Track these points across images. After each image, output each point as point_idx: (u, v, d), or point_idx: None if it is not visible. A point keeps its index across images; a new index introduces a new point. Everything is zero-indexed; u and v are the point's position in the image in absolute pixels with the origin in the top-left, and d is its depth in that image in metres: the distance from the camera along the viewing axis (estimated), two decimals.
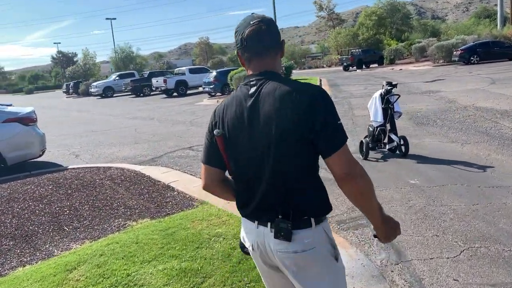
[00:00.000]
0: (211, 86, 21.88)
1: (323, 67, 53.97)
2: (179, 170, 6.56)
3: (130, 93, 31.01)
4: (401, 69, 29.98)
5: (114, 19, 50.43)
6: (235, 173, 1.53)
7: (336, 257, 1.47)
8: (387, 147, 6.16)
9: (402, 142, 6.07)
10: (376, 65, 37.84)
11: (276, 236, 1.41)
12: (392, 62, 37.81)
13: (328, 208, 1.46)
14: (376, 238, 1.53)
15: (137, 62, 57.23)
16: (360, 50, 39.25)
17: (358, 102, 13.43)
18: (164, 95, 26.31)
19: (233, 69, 21.69)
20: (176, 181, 5.76)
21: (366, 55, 37.79)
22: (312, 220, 1.41)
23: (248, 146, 1.43)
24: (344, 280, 1.53)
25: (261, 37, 1.44)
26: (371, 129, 6.28)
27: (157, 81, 26.29)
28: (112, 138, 10.68)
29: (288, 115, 1.33)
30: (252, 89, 1.43)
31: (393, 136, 6.10)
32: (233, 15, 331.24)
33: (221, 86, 21.47)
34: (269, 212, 1.43)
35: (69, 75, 55.88)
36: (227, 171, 1.58)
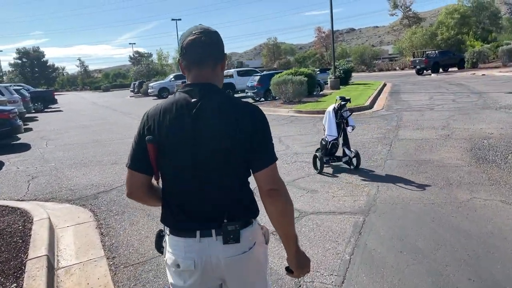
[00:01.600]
0: (254, 91, 20.08)
1: (395, 69, 49.78)
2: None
3: None
4: (483, 75, 25.73)
5: (179, 19, 50.85)
6: (170, 183, 1.50)
7: (267, 241, 1.60)
8: (343, 160, 6.25)
9: (353, 155, 6.18)
10: (455, 68, 33.40)
11: (225, 241, 1.42)
12: (474, 65, 33.11)
13: (258, 208, 1.53)
14: (287, 272, 1.56)
15: None
16: (436, 52, 34.97)
17: (411, 119, 10.73)
18: None
19: (277, 72, 19.67)
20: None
21: (444, 58, 33.50)
22: (253, 218, 1.51)
23: (190, 157, 1.43)
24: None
25: (200, 47, 1.46)
26: (323, 142, 6.28)
27: None
28: (98, 154, 9.32)
29: (233, 131, 1.39)
30: (194, 100, 1.44)
31: (346, 150, 6.23)
32: (310, 15, 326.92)
33: (264, 91, 19.58)
34: (213, 219, 1.44)
35: (133, 75, 57.81)
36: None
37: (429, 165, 6.15)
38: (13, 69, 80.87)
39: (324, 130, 6.37)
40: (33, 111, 24.92)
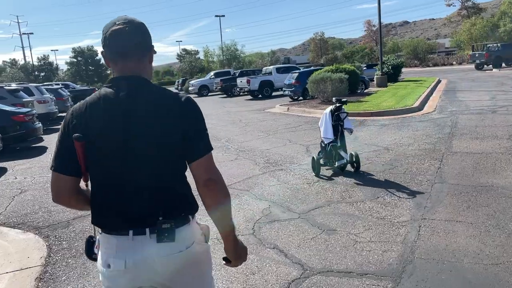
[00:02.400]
0: (291, 89, 18.74)
1: (451, 64, 46.14)
2: None
3: (221, 92, 29.70)
4: None
5: (223, 16, 50.45)
6: (101, 183, 1.43)
7: (207, 240, 1.54)
8: (336, 164, 5.97)
9: (353, 159, 6.02)
10: None
11: (159, 240, 1.36)
12: None
13: (197, 204, 1.49)
14: (225, 262, 1.54)
15: (243, 60, 56.63)
16: (499, 44, 31.63)
17: (468, 125, 9.01)
18: (250, 96, 24.10)
19: (317, 69, 18.21)
20: None
21: (507, 51, 30.19)
22: (190, 216, 1.45)
23: (121, 154, 1.36)
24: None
25: (124, 38, 1.38)
26: (323, 145, 6.12)
27: (241, 81, 24.15)
28: None
29: (166, 124, 1.36)
30: (122, 93, 1.39)
31: (342, 153, 5.99)
32: (361, 8, 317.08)
33: (302, 89, 18.20)
34: (147, 217, 1.37)
35: (176, 73, 58.12)
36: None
37: (492, 193, 4.66)
38: (69, 67, 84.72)
39: (320, 133, 6.22)
40: None
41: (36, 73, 69.29)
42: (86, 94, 27.21)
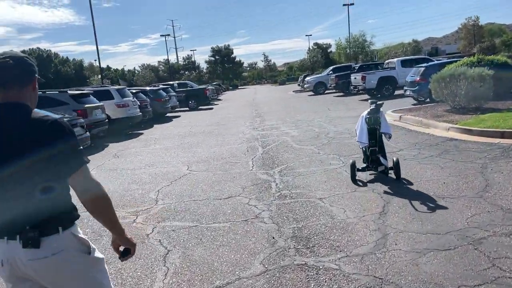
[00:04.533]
0: (414, 89, 14.46)
1: None
2: None
3: (337, 90, 26.21)
4: None
5: (352, 4, 45.83)
6: None
7: (89, 252, 1.74)
8: (379, 169, 5.81)
9: (391, 165, 5.74)
10: None
11: (24, 246, 1.59)
12: None
13: (73, 217, 1.73)
14: (122, 256, 1.85)
15: (379, 52, 50.80)
16: None
17: None
18: (367, 96, 20.21)
19: (452, 61, 13.53)
20: None
21: None
22: (60, 228, 1.64)
23: None
24: (100, 270, 1.79)
25: (4, 71, 1.64)
26: (364, 149, 5.91)
27: (355, 78, 20.38)
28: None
29: (37, 142, 1.58)
30: None
31: (381, 159, 5.77)
32: None
33: (429, 89, 13.77)
34: (18, 226, 1.60)
35: (297, 68, 55.45)
36: None
37: None
38: (207, 66, 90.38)
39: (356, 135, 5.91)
40: (188, 108, 25.34)
41: (182, 72, 75.13)
42: (198, 93, 27.09)
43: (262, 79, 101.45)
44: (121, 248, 1.86)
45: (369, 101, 6.06)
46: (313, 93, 29.56)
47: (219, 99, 37.23)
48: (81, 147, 1.70)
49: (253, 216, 4.71)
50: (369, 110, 5.81)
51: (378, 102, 5.87)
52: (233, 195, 5.66)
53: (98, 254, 1.81)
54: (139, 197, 5.99)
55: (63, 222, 1.68)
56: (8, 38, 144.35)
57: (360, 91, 20.25)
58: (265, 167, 7.22)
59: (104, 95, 13.71)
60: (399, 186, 5.35)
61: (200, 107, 26.35)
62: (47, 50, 54.71)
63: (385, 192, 5.15)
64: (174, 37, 77.15)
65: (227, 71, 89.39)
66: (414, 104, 14.69)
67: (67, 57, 56.00)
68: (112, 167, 8.41)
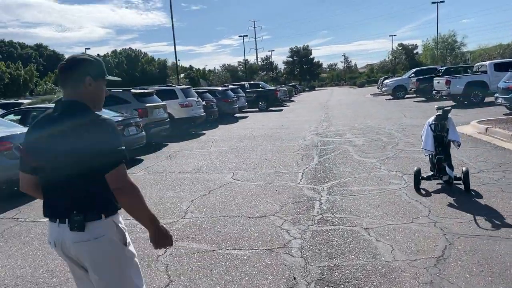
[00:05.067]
0: (507, 96, 12.44)
1: None
2: None
3: (418, 95, 24.03)
4: None
5: (442, 1, 42.01)
6: (40, 183, 1.91)
7: (125, 243, 1.89)
8: (443, 179, 5.52)
9: (461, 176, 5.37)
10: None
11: (71, 229, 1.79)
12: None
13: (114, 207, 1.88)
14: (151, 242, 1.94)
15: (473, 54, 46.00)
16: None
17: None
18: (453, 102, 18.13)
19: None
20: None
21: None
22: (103, 214, 1.82)
23: (47, 163, 1.83)
24: (133, 264, 1.93)
25: (61, 73, 1.90)
26: (430, 157, 5.66)
27: (438, 82, 18.34)
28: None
29: (82, 140, 1.75)
30: (56, 113, 1.87)
31: (446, 168, 5.45)
32: None
33: None
34: (66, 211, 1.81)
35: (377, 70, 52.26)
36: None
37: None
38: (285, 66, 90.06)
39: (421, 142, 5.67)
40: (257, 109, 25.10)
41: (261, 72, 75.78)
42: (268, 94, 26.72)
43: (341, 80, 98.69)
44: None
45: (436, 106, 5.86)
46: (391, 97, 27.59)
47: (292, 101, 36.57)
48: (122, 147, 1.79)
49: (281, 245, 4.02)
50: (435, 116, 5.59)
51: (446, 108, 5.62)
52: (268, 213, 5.01)
53: (132, 248, 1.95)
54: (171, 207, 5.60)
55: (106, 210, 1.84)
56: (108, 38, 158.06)
57: (444, 97, 18.19)
58: (314, 181, 6.45)
59: (169, 95, 13.83)
60: (470, 222, 4.27)
61: (271, 109, 25.95)
62: (136, 50, 58.61)
63: (450, 228, 4.12)
64: (255, 38, 78.40)
65: (304, 72, 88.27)
66: (506, 114, 12.70)
67: (152, 57, 59.42)
68: (160, 169, 8.21)
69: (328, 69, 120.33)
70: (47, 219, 1.93)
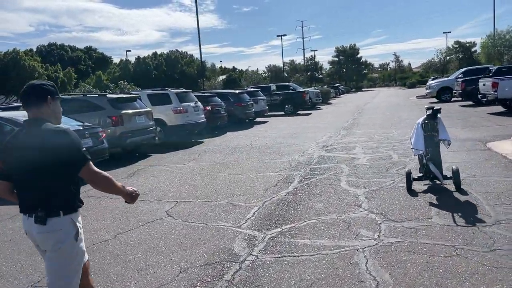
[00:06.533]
0: None
1: None
2: None
3: (463, 98, 21.03)
4: None
5: None
6: (15, 184, 2.32)
7: (76, 238, 2.26)
8: (440, 180, 5.56)
9: (452, 175, 5.44)
10: None
11: (35, 222, 2.19)
12: None
13: (74, 206, 2.29)
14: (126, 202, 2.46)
15: None
16: None
17: None
18: (502, 108, 15.33)
19: None
20: None
21: None
22: (61, 212, 2.20)
23: (17, 170, 2.26)
24: (80, 259, 2.30)
25: (24, 97, 2.32)
26: (420, 157, 5.79)
27: (484, 84, 15.56)
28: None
29: (46, 147, 2.14)
30: (24, 130, 2.30)
31: (430, 166, 5.49)
32: None
33: None
34: (33, 208, 2.21)
35: (424, 69, 47.91)
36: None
37: None
38: (330, 66, 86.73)
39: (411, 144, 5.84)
40: (283, 113, 23.37)
41: (298, 74, 73.42)
42: (295, 97, 24.82)
43: (392, 81, 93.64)
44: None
45: (425, 107, 5.91)
46: (436, 100, 24.64)
47: (329, 103, 34.41)
48: (83, 149, 2.24)
49: None
50: (425, 116, 5.67)
51: (436, 108, 5.70)
52: (165, 281, 3.42)
53: (83, 246, 2.33)
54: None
55: (65, 209, 2.22)
56: (163, 41, 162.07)
57: (494, 102, 15.40)
58: (262, 224, 4.75)
59: (162, 99, 12.57)
60: None
61: (299, 112, 24.09)
62: (175, 51, 58.74)
63: None
64: (303, 38, 76.08)
65: (351, 72, 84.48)
66: None
67: (192, 59, 59.25)
68: (98, 194, 6.84)
69: (380, 69, 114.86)
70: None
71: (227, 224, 4.83)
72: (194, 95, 14.48)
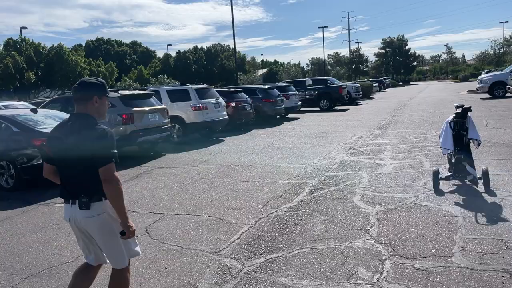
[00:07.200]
0: None
1: None
2: None
3: None
4: None
5: None
6: (59, 172, 2.58)
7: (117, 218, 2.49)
8: (468, 179, 5.35)
9: (480, 175, 5.29)
10: None
11: (80, 207, 2.44)
12: None
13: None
14: (121, 235, 2.47)
15: None
16: None
17: None
18: None
19: None
20: None
21: None
22: (103, 197, 2.45)
23: (63, 158, 2.51)
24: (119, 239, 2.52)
25: (74, 93, 2.58)
26: (449, 156, 5.65)
27: None
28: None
29: (83, 142, 2.40)
30: (70, 122, 2.56)
31: (467, 167, 5.34)
32: None
33: None
34: (76, 195, 2.46)
35: (478, 61, 44.21)
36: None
37: None
38: (376, 59, 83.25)
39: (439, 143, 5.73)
40: (318, 109, 22.31)
41: (338, 67, 71.16)
42: (331, 92, 23.58)
43: (443, 74, 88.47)
44: (120, 230, 2.46)
45: (455, 104, 5.76)
46: (489, 96, 22.49)
47: (371, 98, 32.71)
48: (114, 151, 2.44)
49: None
50: (454, 114, 5.52)
51: (465, 106, 5.52)
52: None
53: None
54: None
55: (104, 196, 2.45)
56: (208, 35, 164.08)
57: None
58: (246, 251, 3.99)
59: (181, 95, 12.02)
60: None
61: (336, 108, 22.91)
62: (216, 45, 58.71)
63: None
64: (348, 30, 73.49)
65: (398, 64, 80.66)
66: None
67: (232, 52, 59.00)
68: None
69: (431, 62, 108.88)
70: None
71: (204, 249, 4.11)
72: (218, 91, 13.88)
